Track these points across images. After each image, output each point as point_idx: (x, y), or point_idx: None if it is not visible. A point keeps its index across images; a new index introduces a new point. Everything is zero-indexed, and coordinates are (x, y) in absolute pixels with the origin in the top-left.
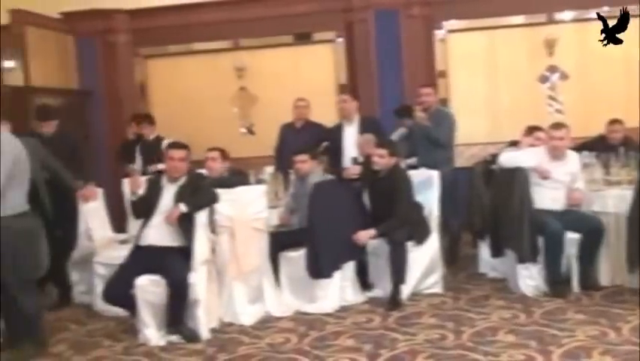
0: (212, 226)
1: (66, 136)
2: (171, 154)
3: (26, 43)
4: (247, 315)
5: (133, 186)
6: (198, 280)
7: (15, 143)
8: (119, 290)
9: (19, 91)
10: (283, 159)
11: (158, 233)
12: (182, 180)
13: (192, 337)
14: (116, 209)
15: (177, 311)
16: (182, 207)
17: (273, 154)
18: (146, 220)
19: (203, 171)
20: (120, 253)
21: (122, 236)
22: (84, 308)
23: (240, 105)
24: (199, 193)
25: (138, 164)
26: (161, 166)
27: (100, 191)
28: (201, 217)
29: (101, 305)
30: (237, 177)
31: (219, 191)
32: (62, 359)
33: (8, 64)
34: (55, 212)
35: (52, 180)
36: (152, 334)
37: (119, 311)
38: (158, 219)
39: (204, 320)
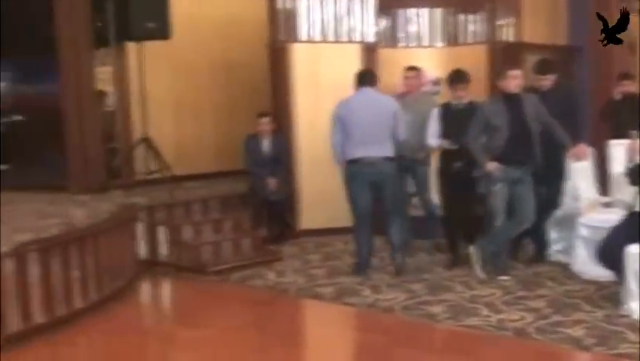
0: None
1: (563, 90)
2: None
3: (521, 0)
4: None
5: (631, 152)
6: None
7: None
8: (614, 253)
9: (510, 47)
10: None
11: None
12: None
13: None
14: (598, 170)
15: None
16: None
17: None
18: None
19: None
20: (604, 217)
21: (606, 199)
22: (560, 267)
23: None
24: None
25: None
26: None
27: (591, 151)
28: None
29: (580, 266)
30: None
31: None
32: (542, 316)
33: (502, 21)
34: (544, 168)
35: (545, 135)
36: (637, 306)
37: (598, 275)
38: None
39: None
